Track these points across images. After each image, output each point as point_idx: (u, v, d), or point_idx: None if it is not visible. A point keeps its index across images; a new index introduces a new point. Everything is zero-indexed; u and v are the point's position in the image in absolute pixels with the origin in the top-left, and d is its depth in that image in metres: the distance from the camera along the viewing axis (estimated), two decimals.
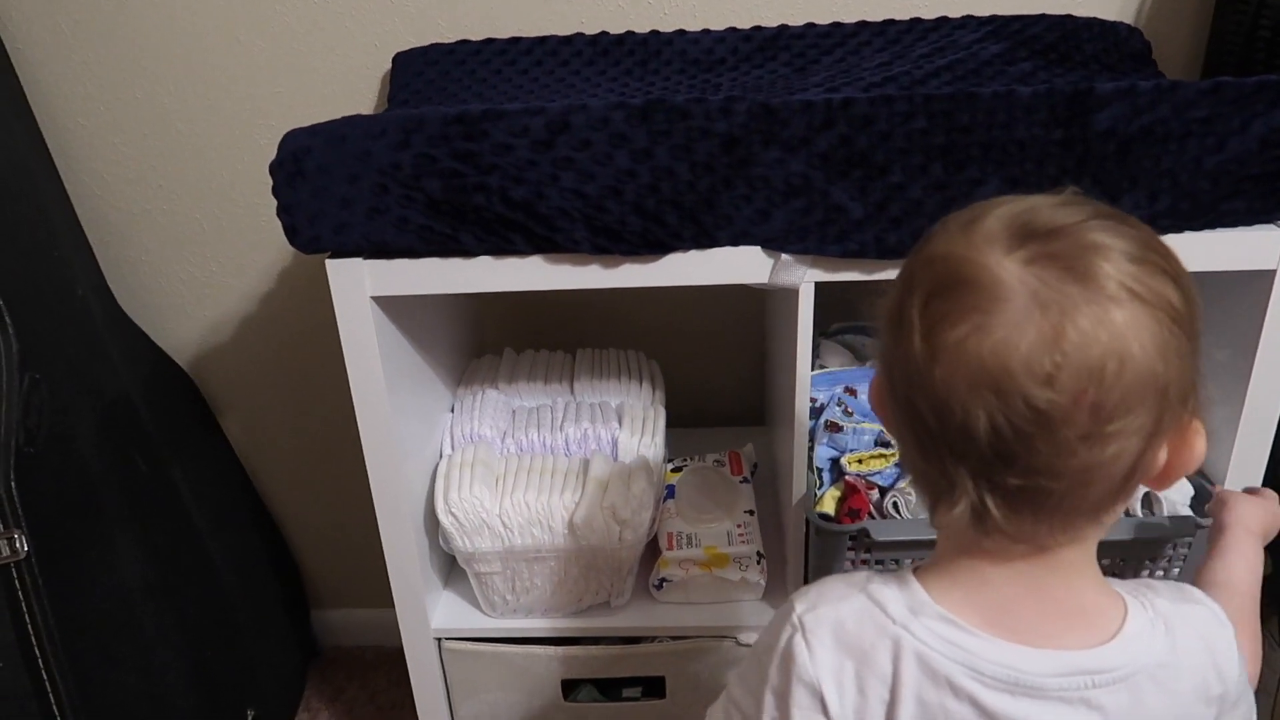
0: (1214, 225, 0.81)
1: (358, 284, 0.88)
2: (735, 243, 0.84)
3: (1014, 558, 0.54)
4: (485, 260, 0.86)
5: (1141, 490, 0.56)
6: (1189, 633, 0.57)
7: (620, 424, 1.10)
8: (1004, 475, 0.50)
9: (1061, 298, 0.47)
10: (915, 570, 0.58)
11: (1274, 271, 0.82)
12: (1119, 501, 0.53)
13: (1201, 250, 0.82)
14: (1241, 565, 0.71)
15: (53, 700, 1.10)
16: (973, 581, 0.56)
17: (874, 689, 0.55)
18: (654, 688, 1.08)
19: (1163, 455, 0.52)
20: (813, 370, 1.08)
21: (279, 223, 0.85)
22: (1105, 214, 0.51)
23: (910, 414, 0.52)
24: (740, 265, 0.85)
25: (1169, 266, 0.49)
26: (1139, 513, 0.92)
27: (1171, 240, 0.78)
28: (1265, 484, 0.92)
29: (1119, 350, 0.47)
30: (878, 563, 0.91)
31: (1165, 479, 0.53)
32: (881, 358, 0.55)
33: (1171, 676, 0.55)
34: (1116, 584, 0.59)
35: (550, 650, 1.07)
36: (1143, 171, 0.78)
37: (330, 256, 0.87)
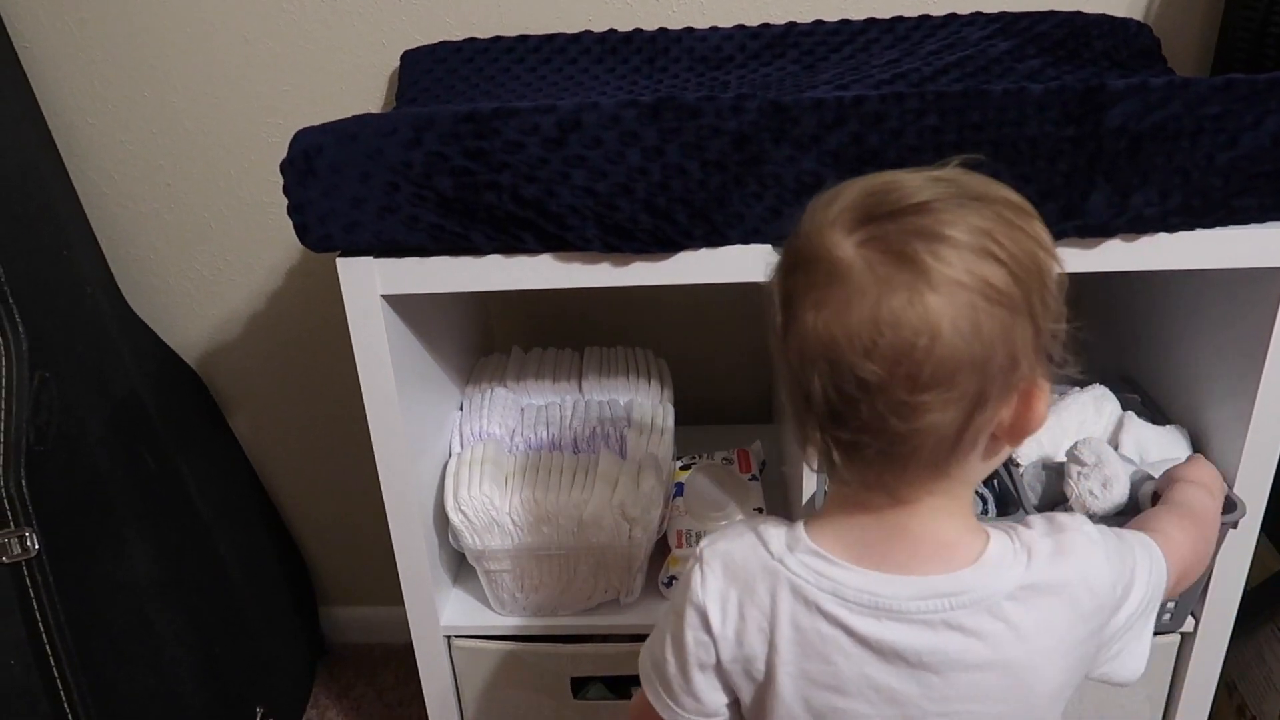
0: (1225, 223, 0.81)
1: (368, 283, 0.88)
2: (746, 241, 0.84)
3: (878, 506, 0.60)
4: (495, 259, 0.86)
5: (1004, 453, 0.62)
6: (1051, 555, 0.60)
7: (629, 422, 1.10)
8: (839, 432, 0.56)
9: (883, 280, 0.52)
10: (804, 520, 0.64)
11: None
12: (958, 457, 0.57)
13: (1212, 248, 0.82)
14: (1185, 492, 0.80)
15: (64, 698, 1.10)
16: (844, 524, 0.62)
17: (752, 615, 0.62)
18: None
19: (1006, 414, 0.56)
20: None
21: (287, 221, 0.85)
22: (957, 193, 0.54)
23: (780, 374, 0.59)
24: (751, 263, 0.85)
25: (1001, 250, 0.52)
26: (992, 510, 0.96)
27: (1182, 238, 0.81)
28: (1275, 481, 0.92)
29: (929, 330, 0.51)
30: None
31: (1014, 436, 0.58)
32: (769, 320, 0.61)
33: (1036, 595, 0.59)
34: (989, 523, 0.63)
35: (559, 648, 1.07)
36: (1154, 169, 0.77)
37: (341, 255, 0.88)
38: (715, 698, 0.67)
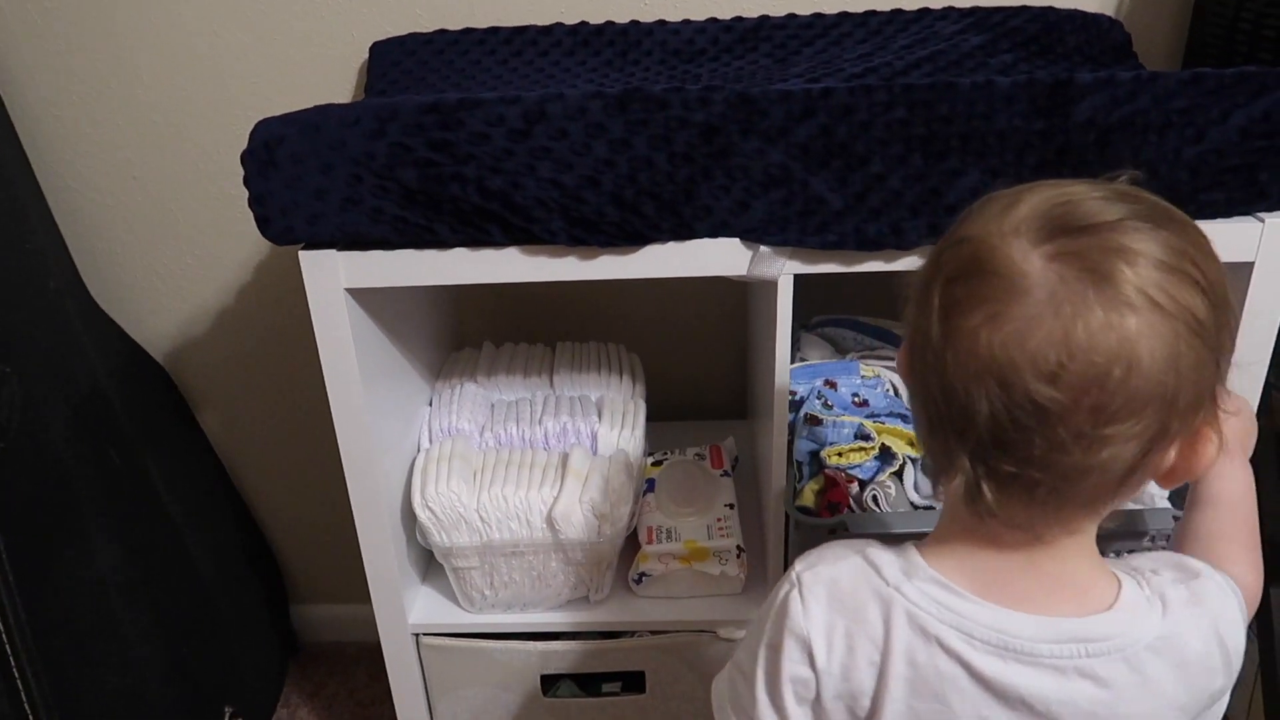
0: (1193, 217, 0.80)
1: (331, 276, 0.86)
2: (714, 234, 0.83)
3: (1012, 543, 0.55)
4: (461, 252, 0.85)
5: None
6: (1186, 604, 0.56)
7: (600, 417, 1.09)
8: (999, 462, 0.50)
9: (1077, 298, 0.47)
10: (916, 544, 0.60)
11: (1252, 264, 0.82)
12: (1116, 498, 0.53)
13: None
14: (1228, 480, 0.70)
15: (24, 699, 1.08)
16: (967, 553, 0.57)
17: (863, 648, 0.57)
18: (634, 682, 1.08)
19: (1170, 456, 0.52)
20: (793, 363, 1.07)
21: (253, 216, 0.84)
22: (1147, 214, 0.50)
23: (923, 389, 0.54)
24: (719, 257, 0.84)
25: (1201, 276, 0.49)
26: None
27: None
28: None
29: (1127, 357, 0.47)
30: None
31: (1171, 479, 0.54)
32: (907, 328, 0.56)
33: (1172, 648, 0.55)
34: (1113, 564, 0.59)
35: (529, 645, 1.06)
36: (1122, 162, 0.77)
37: (304, 248, 0.86)
38: None
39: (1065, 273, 0.48)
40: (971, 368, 0.49)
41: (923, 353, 0.53)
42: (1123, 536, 0.90)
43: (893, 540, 0.62)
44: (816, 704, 0.59)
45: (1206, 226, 0.79)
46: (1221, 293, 0.50)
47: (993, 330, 0.48)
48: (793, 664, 0.58)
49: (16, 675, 1.08)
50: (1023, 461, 0.50)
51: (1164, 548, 0.91)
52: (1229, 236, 0.81)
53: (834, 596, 0.58)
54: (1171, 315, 0.47)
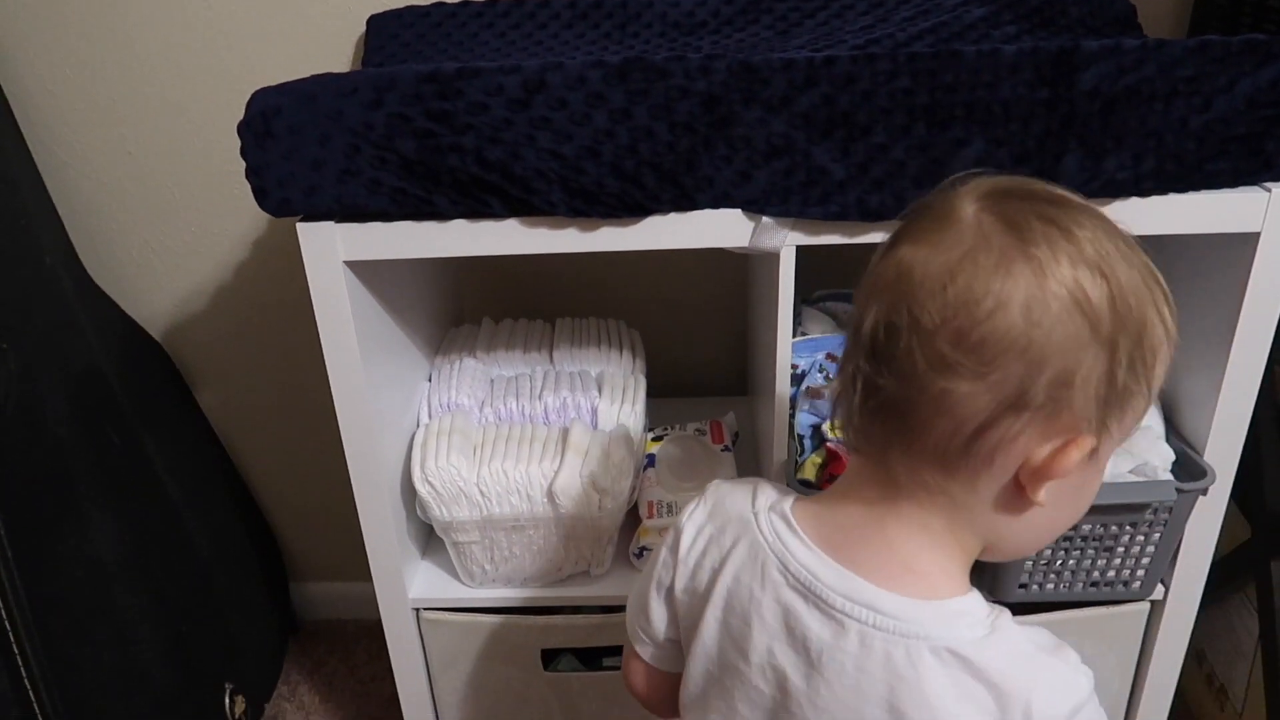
0: (1198, 187, 0.80)
1: (330, 248, 0.86)
2: (715, 205, 0.82)
3: (872, 497, 0.58)
4: (460, 224, 0.85)
5: None
6: (1013, 666, 0.53)
7: (600, 393, 1.09)
8: (869, 367, 0.54)
9: (983, 238, 0.51)
10: (802, 496, 0.64)
11: (1258, 234, 0.82)
12: (970, 459, 0.52)
13: (1185, 213, 0.81)
14: None
15: (25, 677, 1.08)
16: (830, 509, 0.61)
17: (712, 552, 0.64)
18: None
19: (1042, 450, 0.52)
20: (795, 337, 1.07)
21: (250, 187, 0.83)
22: (1099, 215, 0.53)
23: (853, 318, 0.58)
24: (720, 228, 0.84)
25: (1110, 273, 0.50)
26: None
27: (1155, 203, 0.81)
28: (1244, 452, 0.92)
29: (999, 297, 0.49)
30: None
31: (1037, 479, 0.52)
32: None
33: (961, 671, 0.53)
34: (981, 601, 0.57)
35: (530, 620, 1.06)
36: (1128, 131, 0.77)
37: (301, 220, 0.85)
38: (661, 623, 0.69)
39: (985, 218, 0.52)
40: (882, 281, 0.54)
41: (863, 285, 0.57)
42: (1123, 511, 0.90)
43: None
44: (670, 595, 0.67)
45: (1211, 197, 0.80)
46: (1133, 309, 0.50)
47: (911, 250, 0.53)
48: (665, 550, 0.68)
49: (16, 653, 1.08)
50: (885, 372, 0.53)
51: (1166, 521, 0.91)
52: (1234, 206, 0.81)
53: (717, 505, 0.66)
54: (1059, 282, 0.49)
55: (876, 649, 0.55)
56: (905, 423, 0.54)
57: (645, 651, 0.72)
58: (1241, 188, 0.81)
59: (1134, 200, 0.81)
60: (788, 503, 0.62)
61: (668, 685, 0.72)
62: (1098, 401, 0.51)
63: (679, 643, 0.68)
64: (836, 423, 0.61)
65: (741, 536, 0.62)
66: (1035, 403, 0.50)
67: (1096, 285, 0.50)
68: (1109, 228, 0.52)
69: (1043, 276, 0.49)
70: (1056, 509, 0.56)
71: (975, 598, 0.57)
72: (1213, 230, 0.82)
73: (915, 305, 0.51)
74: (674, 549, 0.66)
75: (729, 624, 0.62)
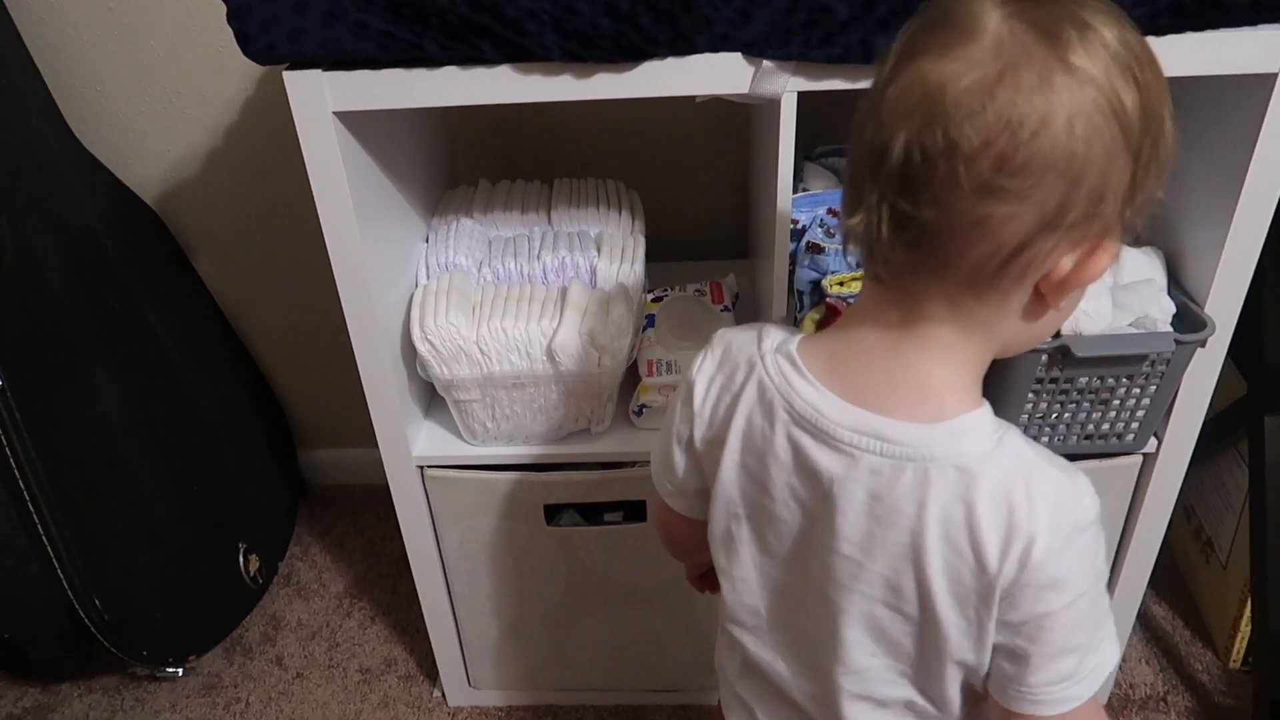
0: (1217, 24, 0.77)
1: (318, 98, 0.83)
2: (714, 48, 0.79)
3: (889, 322, 0.57)
4: (451, 70, 0.82)
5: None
6: (1014, 470, 0.54)
7: (599, 252, 1.08)
8: (902, 199, 0.51)
9: (1020, 51, 0.48)
10: (808, 334, 0.64)
11: (1275, 75, 0.79)
12: (1002, 279, 0.52)
13: (1201, 53, 0.78)
14: None
15: (41, 531, 1.12)
16: (840, 340, 0.61)
17: (725, 398, 0.64)
18: (635, 511, 1.10)
19: (1066, 262, 0.52)
20: (795, 193, 1.05)
21: (232, 32, 0.80)
22: (1118, 13, 0.50)
23: (857, 135, 0.54)
24: (720, 73, 0.81)
25: (1142, 76, 0.49)
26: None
27: (1170, 43, 0.77)
28: (1244, 308, 0.91)
29: (1043, 114, 0.48)
30: None
31: (1061, 290, 0.53)
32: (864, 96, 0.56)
33: (964, 487, 0.54)
34: (989, 415, 0.57)
35: (532, 476, 1.08)
36: None
37: (288, 68, 0.83)
38: (688, 475, 0.70)
39: (1017, 28, 0.49)
40: (905, 101, 0.50)
41: (868, 99, 0.54)
42: (1121, 363, 0.90)
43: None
44: (690, 446, 0.68)
45: (1228, 36, 0.77)
46: (1156, 108, 0.50)
47: (935, 66, 0.50)
48: (681, 403, 0.68)
49: (31, 508, 1.10)
50: (921, 200, 0.51)
51: (1162, 374, 0.92)
52: (1254, 45, 0.78)
53: (725, 354, 0.66)
54: (1101, 91, 0.48)
55: (885, 475, 0.56)
56: (941, 250, 0.52)
57: (677, 503, 0.74)
58: (1261, 25, 0.77)
59: (1150, 40, 0.77)
60: (793, 342, 0.62)
61: (704, 531, 0.72)
62: (1124, 205, 0.51)
63: (707, 491, 0.69)
64: (850, 257, 0.60)
65: (749, 379, 0.62)
66: (1072, 218, 0.50)
67: (1130, 91, 0.48)
68: (1123, 18, 0.51)
69: (1084, 87, 0.48)
70: (1068, 307, 0.57)
71: (984, 412, 0.57)
72: (1229, 71, 0.79)
73: (952, 128, 0.48)
74: (688, 401, 0.66)
75: (746, 465, 0.63)
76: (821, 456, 0.58)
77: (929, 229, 0.51)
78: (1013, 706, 0.58)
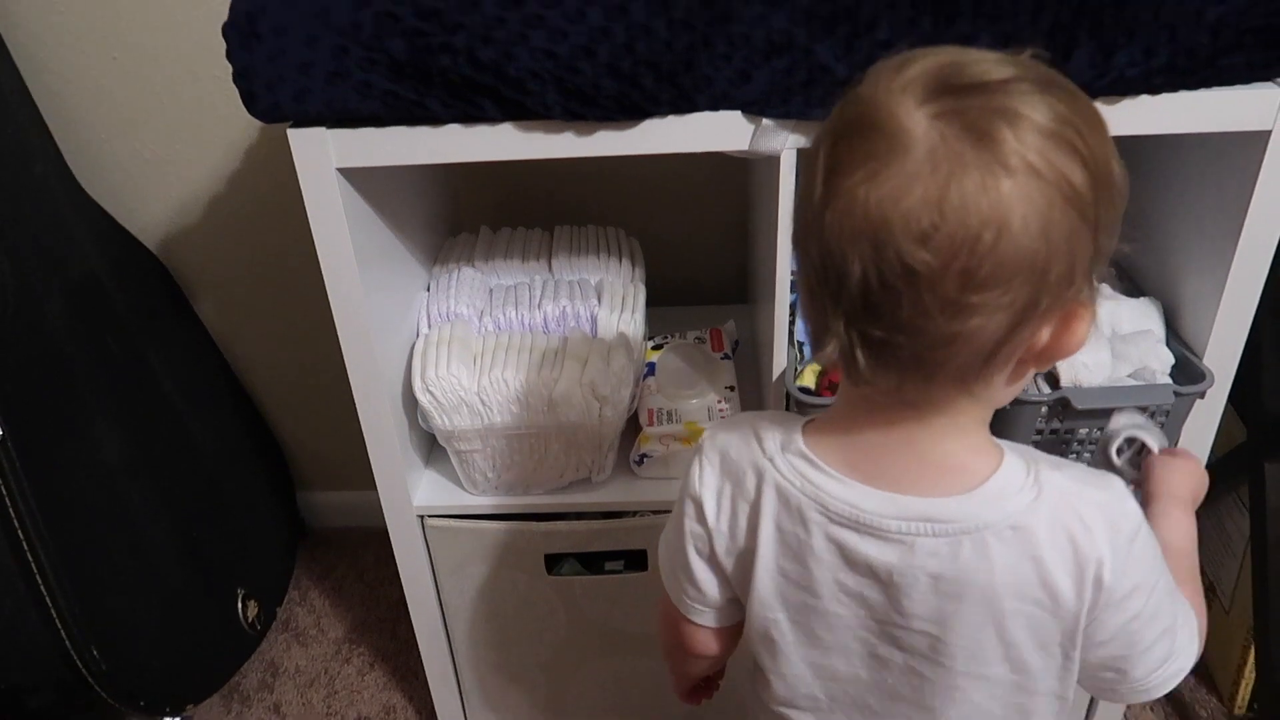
0: (1211, 83, 0.78)
1: (322, 155, 0.84)
2: (715, 107, 0.80)
3: (890, 417, 0.57)
4: (454, 128, 0.83)
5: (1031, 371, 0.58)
6: (1062, 506, 0.55)
7: (600, 301, 1.08)
8: (869, 326, 0.50)
9: (955, 158, 0.46)
10: (809, 420, 0.62)
11: (1269, 133, 0.80)
12: (987, 372, 0.52)
13: (1196, 111, 0.79)
14: (1174, 531, 0.69)
15: (39, 580, 1.11)
16: (846, 430, 0.59)
17: (742, 510, 0.62)
18: (636, 561, 1.10)
19: (1045, 335, 0.52)
20: None
21: (238, 91, 0.81)
22: (1039, 78, 0.49)
23: (804, 254, 0.53)
24: (720, 131, 0.82)
25: (1083, 145, 0.48)
26: (1041, 387, 0.91)
27: (1166, 101, 0.78)
28: (1243, 356, 0.92)
29: (999, 221, 0.46)
30: None
31: (1044, 359, 0.54)
32: (798, 193, 0.55)
33: (1025, 542, 0.55)
34: (1016, 448, 0.59)
35: (533, 525, 1.08)
36: (1140, 24, 0.74)
37: (292, 126, 0.84)
38: (714, 589, 0.67)
39: (947, 131, 0.47)
40: (848, 227, 0.48)
41: (804, 214, 0.52)
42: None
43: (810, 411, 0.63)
44: (713, 559, 0.65)
45: (1222, 94, 0.78)
46: (1104, 168, 0.49)
47: (870, 187, 0.47)
48: (690, 521, 0.65)
49: (30, 558, 1.10)
50: (891, 327, 0.50)
51: (1162, 424, 0.92)
52: (1247, 104, 0.79)
53: (724, 462, 0.63)
54: (1047, 181, 0.46)
55: (944, 554, 0.56)
56: (921, 365, 0.52)
57: (705, 618, 0.70)
58: (1255, 85, 0.78)
59: (1144, 99, 0.79)
60: (798, 438, 0.60)
61: (735, 636, 0.73)
62: (1090, 270, 0.51)
63: (738, 599, 0.68)
64: (822, 364, 0.59)
65: (763, 485, 0.61)
66: (1045, 303, 0.49)
67: (1075, 167, 0.47)
68: (1049, 84, 0.49)
69: (1031, 182, 0.46)
70: (1049, 363, 0.57)
71: (1010, 460, 0.57)
72: (1223, 129, 0.80)
73: (906, 254, 0.47)
74: (700, 519, 0.64)
75: (784, 569, 0.62)
76: (872, 549, 0.57)
77: (906, 352, 0.51)
78: (1127, 701, 0.61)
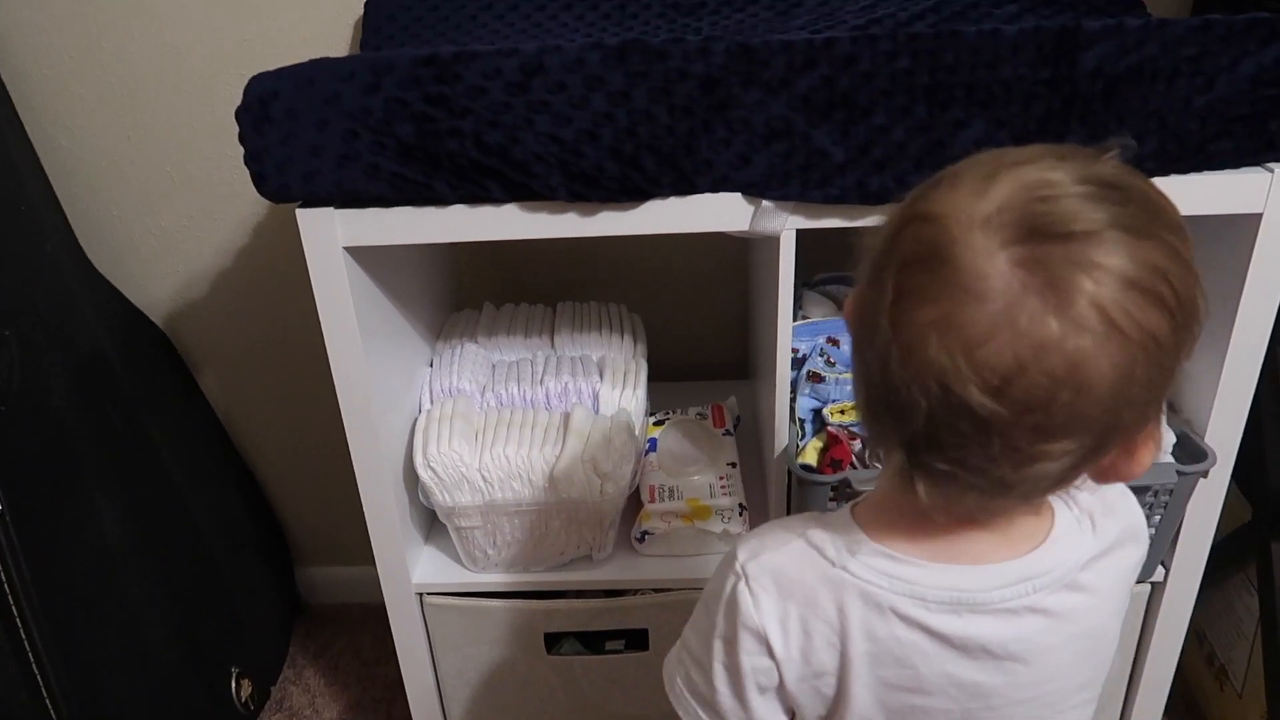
0: (1201, 168, 0.80)
1: (329, 234, 0.86)
2: (715, 189, 0.82)
3: (946, 524, 0.56)
4: (460, 209, 0.84)
5: None
6: (1104, 514, 0.60)
7: (601, 377, 1.09)
8: (933, 459, 0.49)
9: (1035, 313, 0.44)
10: (854, 507, 0.60)
11: (1260, 215, 0.81)
12: (1052, 493, 0.53)
13: (1187, 194, 0.80)
14: None
15: (32, 660, 1.09)
16: (908, 514, 0.56)
17: (819, 631, 0.57)
18: (637, 640, 1.08)
19: (1109, 458, 0.51)
20: (795, 320, 1.06)
21: (249, 173, 0.83)
22: (1130, 220, 0.45)
23: (865, 369, 0.52)
24: (720, 212, 0.83)
25: (1171, 294, 0.45)
26: None
27: (1158, 183, 0.80)
28: (1244, 433, 0.92)
29: (1077, 381, 0.44)
30: None
31: (1103, 479, 0.53)
32: (857, 290, 0.53)
33: (1103, 558, 0.59)
34: (1056, 505, 0.60)
35: (533, 604, 1.07)
36: (1130, 112, 0.76)
37: (301, 206, 0.85)
38: (772, 717, 0.62)
39: (1029, 282, 0.44)
40: (915, 366, 0.46)
41: (870, 335, 0.50)
42: None
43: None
44: (780, 690, 0.60)
45: (1213, 178, 0.80)
46: (1190, 310, 0.46)
47: (943, 333, 0.45)
48: (750, 656, 0.59)
49: (23, 636, 1.08)
50: (955, 463, 0.49)
51: (1166, 504, 0.92)
52: (1237, 187, 0.80)
53: (782, 585, 0.58)
54: (1130, 339, 0.44)
55: (1050, 605, 0.56)
56: (980, 498, 0.51)
57: None
58: (1244, 168, 0.80)
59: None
60: (862, 537, 0.57)
61: None
62: (1162, 400, 0.50)
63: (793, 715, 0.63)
64: (881, 485, 0.59)
65: (844, 595, 0.57)
66: (1116, 440, 0.49)
67: (1159, 316, 0.45)
68: (1133, 225, 0.45)
69: (1112, 339, 0.44)
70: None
71: (1059, 510, 0.59)
72: (1215, 211, 0.81)
73: (976, 405, 0.45)
74: (767, 652, 0.58)
75: (884, 678, 0.58)
76: (983, 628, 0.56)
77: (969, 484, 0.50)
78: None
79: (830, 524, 0.59)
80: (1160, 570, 0.99)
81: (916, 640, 0.56)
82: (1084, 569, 0.57)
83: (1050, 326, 0.44)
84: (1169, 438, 0.93)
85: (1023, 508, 0.56)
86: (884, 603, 0.56)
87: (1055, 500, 0.58)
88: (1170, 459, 0.91)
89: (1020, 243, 0.45)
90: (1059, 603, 0.57)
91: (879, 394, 0.50)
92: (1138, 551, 0.62)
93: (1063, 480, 0.51)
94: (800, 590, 0.57)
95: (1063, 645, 0.58)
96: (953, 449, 0.48)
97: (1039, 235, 0.45)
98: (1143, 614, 1.03)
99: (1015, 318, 0.44)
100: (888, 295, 0.48)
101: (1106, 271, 0.44)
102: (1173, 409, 0.97)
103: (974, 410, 0.45)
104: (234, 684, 1.37)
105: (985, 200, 0.46)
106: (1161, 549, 0.96)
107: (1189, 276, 0.46)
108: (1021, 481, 0.49)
